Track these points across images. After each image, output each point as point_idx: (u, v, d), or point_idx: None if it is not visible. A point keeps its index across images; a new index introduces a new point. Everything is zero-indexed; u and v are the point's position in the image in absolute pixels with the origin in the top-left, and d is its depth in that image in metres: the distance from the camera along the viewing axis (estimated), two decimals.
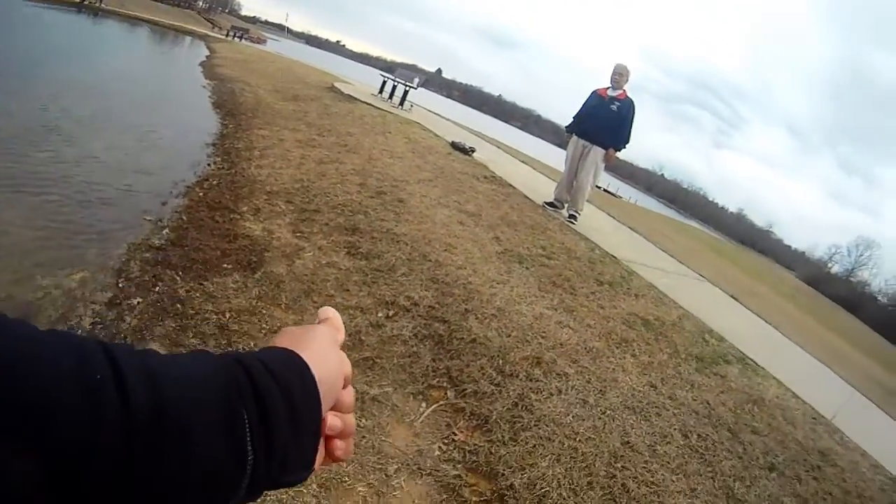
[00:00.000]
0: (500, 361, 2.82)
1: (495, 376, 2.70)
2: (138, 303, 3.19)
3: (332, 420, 0.44)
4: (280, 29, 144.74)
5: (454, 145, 9.17)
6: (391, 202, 5.44)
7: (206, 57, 21.97)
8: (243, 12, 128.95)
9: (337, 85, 15.24)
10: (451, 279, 3.80)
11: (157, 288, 3.36)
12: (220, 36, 41.17)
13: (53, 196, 4.80)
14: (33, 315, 3.06)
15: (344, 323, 2.13)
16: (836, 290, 75.83)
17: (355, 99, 12.62)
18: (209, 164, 6.64)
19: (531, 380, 2.72)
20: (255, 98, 11.67)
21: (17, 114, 7.18)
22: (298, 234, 4.45)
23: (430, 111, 17.05)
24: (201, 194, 5.38)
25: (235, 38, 41.20)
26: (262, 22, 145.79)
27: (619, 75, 6.13)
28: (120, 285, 3.44)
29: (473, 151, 8.99)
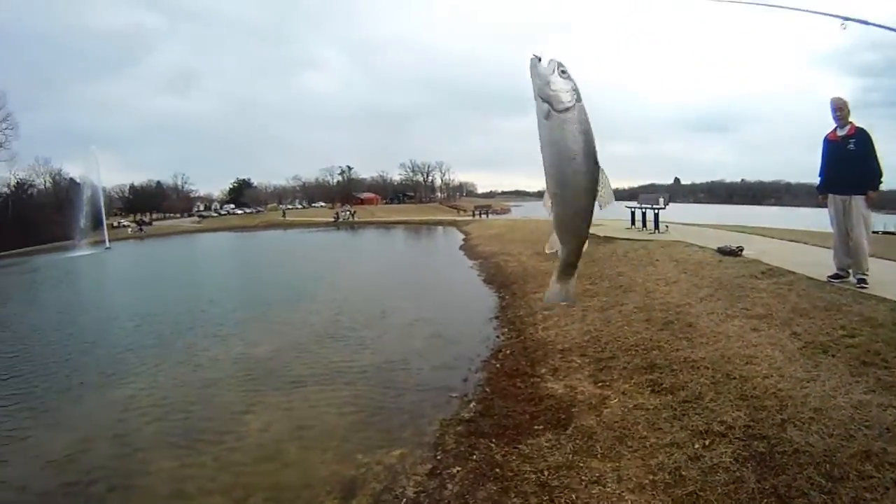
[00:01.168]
0: (828, 466, 2.79)
1: (825, 483, 2.67)
2: (458, 471, 3.63)
3: None
4: (518, 195, 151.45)
5: (721, 251, 9.12)
6: (680, 329, 5.52)
7: (463, 240, 24.54)
8: (479, 190, 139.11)
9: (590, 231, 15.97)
10: (759, 391, 3.79)
11: (474, 456, 3.80)
12: (467, 218, 45.60)
13: (360, 388, 5.68)
14: (357, 488, 3.71)
15: (662, 461, 3.08)
16: None
17: (613, 238, 13.04)
18: (498, 336, 7.40)
19: (863, 478, 2.64)
20: (521, 266, 12.84)
21: (316, 322, 8.94)
22: (600, 384, 4.70)
23: (685, 224, 16.88)
24: (498, 365, 6.01)
25: (482, 216, 45.70)
26: (499, 193, 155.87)
27: (840, 110, 5.77)
28: (438, 457, 3.93)
29: (742, 250, 8.87)
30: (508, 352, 6.45)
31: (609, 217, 24.88)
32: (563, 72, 1.70)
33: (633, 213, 15.90)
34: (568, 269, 2.13)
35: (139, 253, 31.56)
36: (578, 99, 1.72)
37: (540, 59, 1.70)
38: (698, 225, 16.59)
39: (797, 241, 10.46)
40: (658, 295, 7.11)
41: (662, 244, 11.25)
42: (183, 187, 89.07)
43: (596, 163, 1.79)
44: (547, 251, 2.06)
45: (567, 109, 1.70)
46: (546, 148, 1.76)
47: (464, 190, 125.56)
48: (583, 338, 6.05)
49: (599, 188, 1.81)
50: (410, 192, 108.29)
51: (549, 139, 1.75)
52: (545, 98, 1.71)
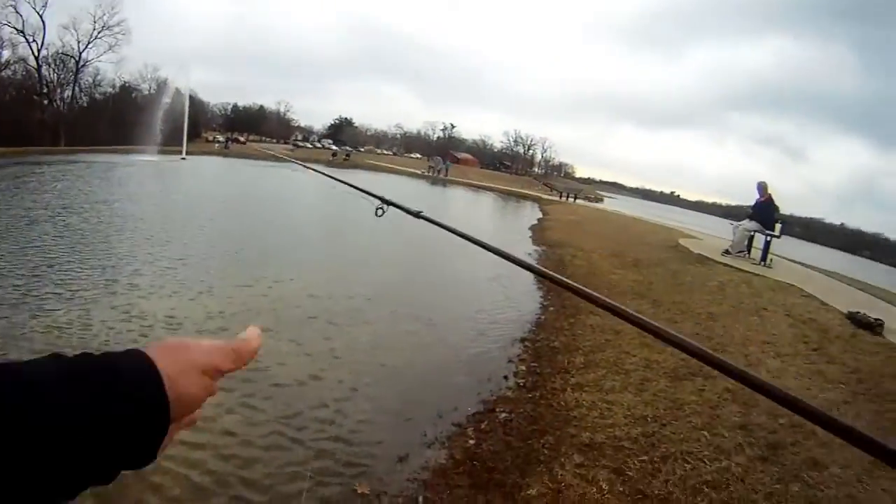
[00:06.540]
0: None
1: None
2: None
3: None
4: (615, 187, 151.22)
5: (853, 318, 6.13)
6: (804, 464, 3.01)
7: (538, 220, 21.85)
8: (577, 174, 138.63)
9: (682, 242, 13.46)
10: None
11: None
12: (554, 198, 43.36)
13: None
14: None
15: None
16: None
17: (707, 259, 10.41)
18: (506, 377, 4.70)
19: None
20: (588, 265, 10.05)
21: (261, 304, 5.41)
22: None
23: (795, 262, 13.06)
24: (470, 443, 3.51)
25: (568, 199, 43.40)
26: (597, 182, 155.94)
27: None
28: None
29: (881, 327, 5.86)
30: (503, 416, 3.95)
31: (704, 229, 21.24)
32: None
33: (751, 238, 11.37)
34: None
35: (206, 169, 30.39)
36: None
37: None
38: (810, 267, 12.54)
39: None
40: (763, 372, 4.36)
41: (772, 285, 8.27)
42: (284, 114, 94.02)
43: None
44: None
45: None
46: None
47: (562, 170, 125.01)
48: (628, 428, 3.54)
49: None
50: (508, 161, 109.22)
51: None
52: None
